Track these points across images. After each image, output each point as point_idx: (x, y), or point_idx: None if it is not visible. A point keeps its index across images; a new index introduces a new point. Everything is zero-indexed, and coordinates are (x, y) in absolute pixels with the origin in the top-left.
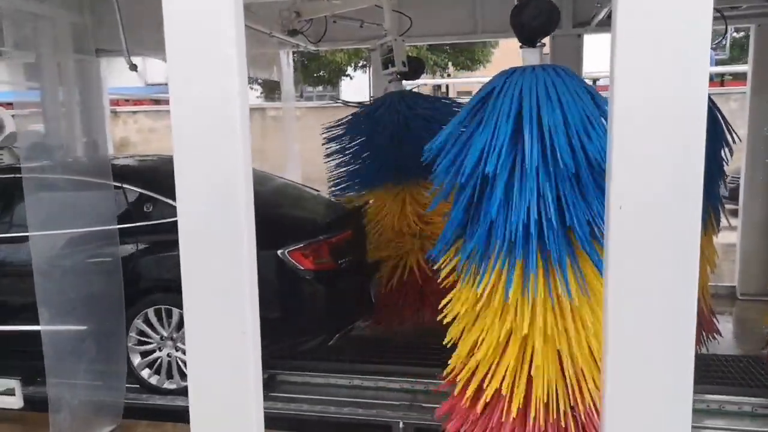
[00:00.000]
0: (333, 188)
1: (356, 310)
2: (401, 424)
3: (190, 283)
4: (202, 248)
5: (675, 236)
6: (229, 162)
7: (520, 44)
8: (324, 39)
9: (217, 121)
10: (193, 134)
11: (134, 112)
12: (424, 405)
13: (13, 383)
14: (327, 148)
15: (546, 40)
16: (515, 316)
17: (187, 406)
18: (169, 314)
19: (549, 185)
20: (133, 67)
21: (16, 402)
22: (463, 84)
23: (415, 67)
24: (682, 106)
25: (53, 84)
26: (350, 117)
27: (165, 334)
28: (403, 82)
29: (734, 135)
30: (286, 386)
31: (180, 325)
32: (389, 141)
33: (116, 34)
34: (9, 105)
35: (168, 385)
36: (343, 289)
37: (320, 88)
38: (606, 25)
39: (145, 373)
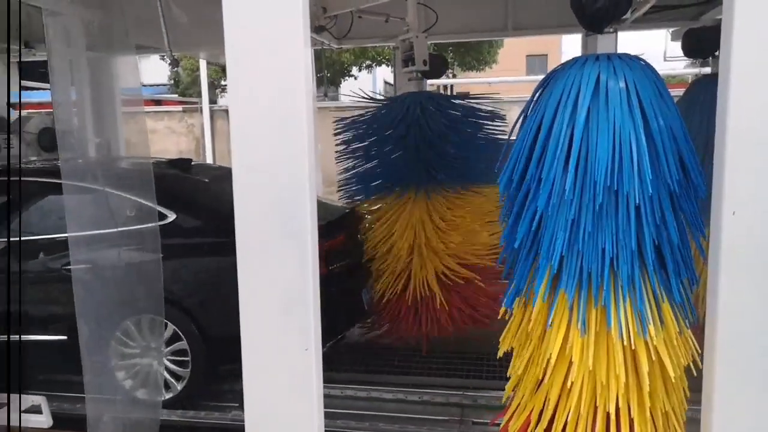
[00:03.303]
0: (342, 192)
1: (348, 317)
2: None
3: (248, 298)
4: (262, 260)
5: None
6: (293, 168)
7: (586, 32)
8: (347, 36)
9: (281, 125)
10: (255, 139)
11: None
12: (475, 421)
13: (39, 399)
14: (338, 150)
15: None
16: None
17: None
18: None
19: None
20: (174, 63)
21: (45, 420)
22: (466, 84)
23: (437, 66)
24: None
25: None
26: (365, 116)
27: (152, 344)
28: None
29: None
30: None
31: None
32: (406, 144)
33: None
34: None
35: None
36: (334, 296)
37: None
38: (642, 22)
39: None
